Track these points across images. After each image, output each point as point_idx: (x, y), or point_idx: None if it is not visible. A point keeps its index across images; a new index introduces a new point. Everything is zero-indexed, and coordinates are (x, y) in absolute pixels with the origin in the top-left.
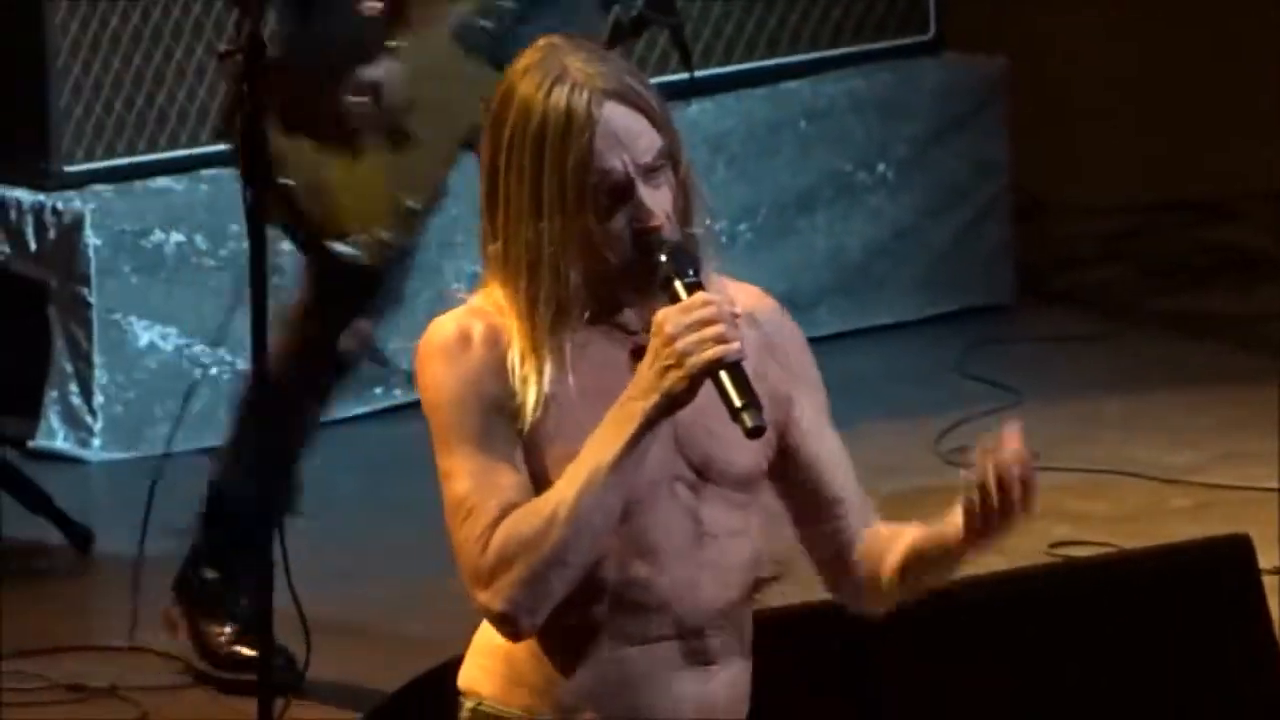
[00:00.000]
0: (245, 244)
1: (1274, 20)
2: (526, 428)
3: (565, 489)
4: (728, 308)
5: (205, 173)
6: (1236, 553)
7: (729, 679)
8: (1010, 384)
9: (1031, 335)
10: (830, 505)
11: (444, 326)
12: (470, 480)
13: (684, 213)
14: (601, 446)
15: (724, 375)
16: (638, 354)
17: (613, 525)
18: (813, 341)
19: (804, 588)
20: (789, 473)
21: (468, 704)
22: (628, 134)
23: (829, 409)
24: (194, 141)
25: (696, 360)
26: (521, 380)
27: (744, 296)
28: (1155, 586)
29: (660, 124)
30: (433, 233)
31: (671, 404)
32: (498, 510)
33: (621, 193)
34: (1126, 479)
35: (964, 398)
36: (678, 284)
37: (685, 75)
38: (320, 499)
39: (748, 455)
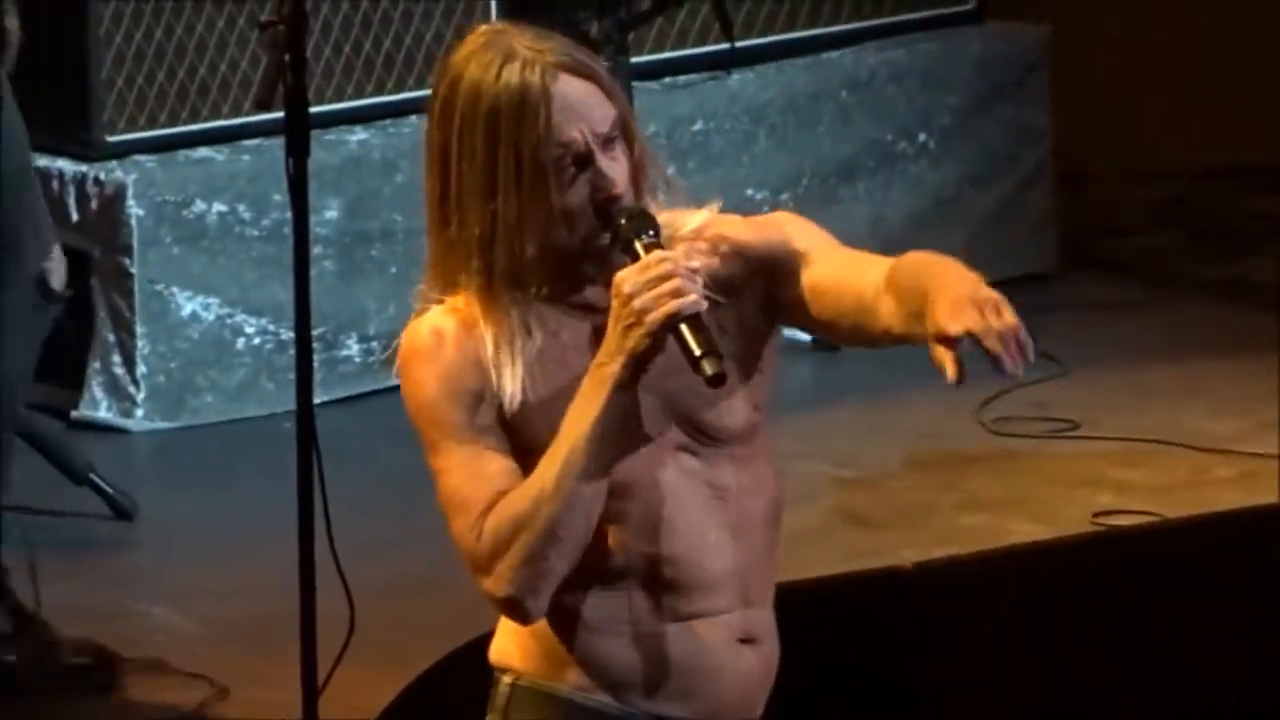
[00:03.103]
0: (288, 214)
1: None
2: (514, 407)
3: (548, 466)
4: (684, 262)
5: (247, 143)
6: (1279, 522)
7: (767, 654)
8: (1054, 353)
9: (1075, 304)
10: (852, 305)
11: (418, 331)
12: (460, 473)
13: (638, 184)
14: (578, 417)
15: (683, 328)
16: (600, 332)
17: (602, 494)
18: None
19: (845, 558)
20: (811, 315)
21: (505, 679)
22: (584, 105)
23: (807, 234)
24: (236, 111)
25: (655, 316)
26: (497, 366)
27: (692, 221)
28: (1198, 555)
29: (612, 95)
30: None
31: (637, 363)
32: (488, 498)
33: (582, 163)
34: (1171, 448)
35: None
36: (637, 244)
37: (727, 45)
38: (364, 469)
39: (739, 406)
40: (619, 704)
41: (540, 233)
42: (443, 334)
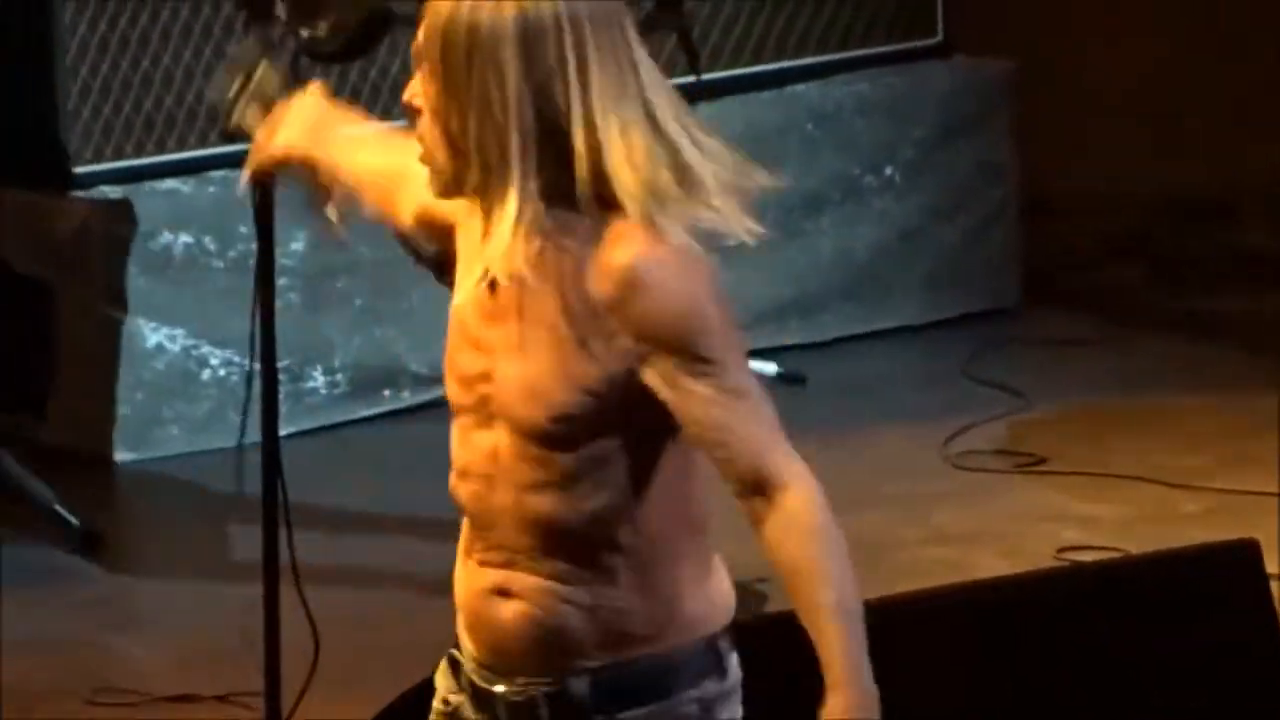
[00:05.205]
0: (253, 245)
1: None
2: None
3: None
4: None
5: (213, 174)
6: (1245, 558)
7: (525, 612)
8: (1017, 387)
9: (1039, 338)
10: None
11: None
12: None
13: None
14: None
15: None
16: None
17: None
18: (820, 345)
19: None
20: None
21: None
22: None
23: (697, 365)
24: (202, 143)
25: None
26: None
27: (623, 247)
28: (1163, 591)
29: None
30: None
31: None
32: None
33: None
34: (1135, 483)
35: (971, 401)
36: None
37: (693, 78)
38: (328, 500)
39: (528, 407)
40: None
41: None
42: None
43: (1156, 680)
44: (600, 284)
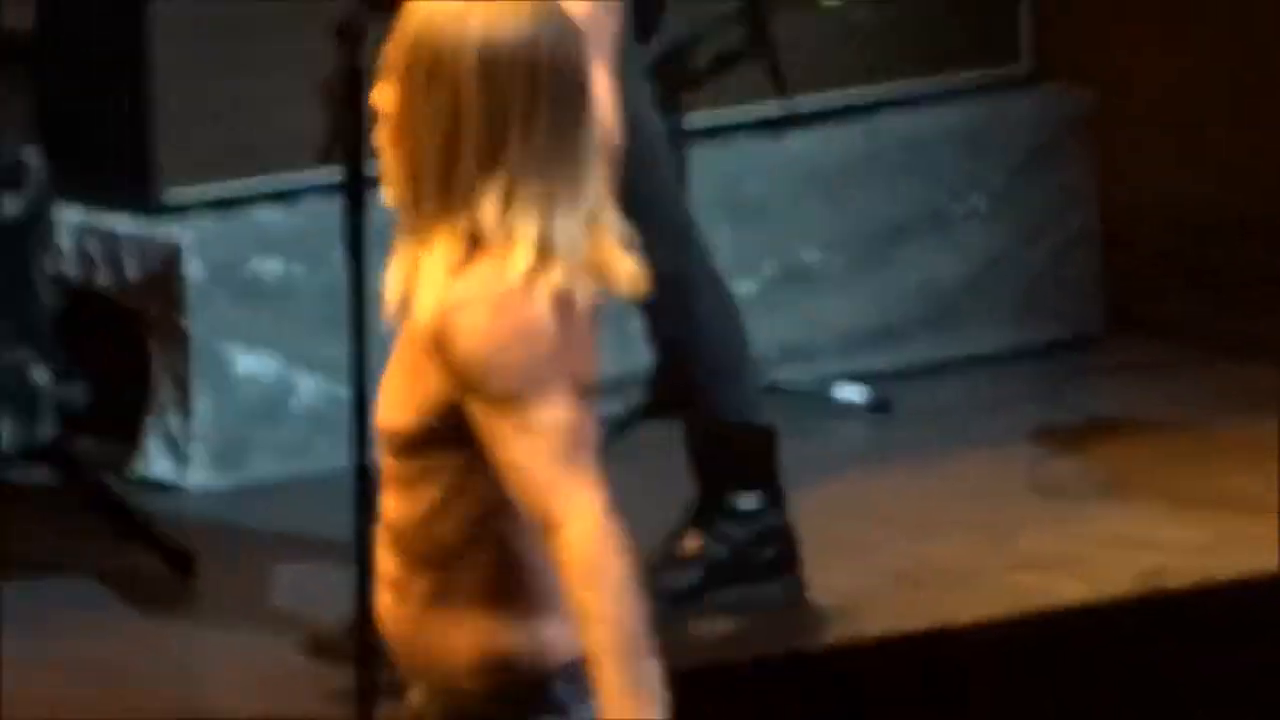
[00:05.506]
0: (343, 271)
1: None
2: None
3: None
4: None
5: (305, 200)
6: None
7: (389, 605)
8: (1102, 414)
9: (1124, 364)
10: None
11: None
12: None
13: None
14: None
15: None
16: None
17: None
18: (905, 374)
19: (895, 619)
20: None
21: None
22: None
23: (497, 404)
24: (294, 168)
25: None
26: None
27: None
28: (1244, 618)
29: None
30: None
31: None
32: None
33: None
34: (1217, 509)
35: (1056, 429)
36: None
37: (780, 106)
38: None
39: (381, 412)
40: None
41: None
42: None
43: (1237, 707)
44: (431, 319)
